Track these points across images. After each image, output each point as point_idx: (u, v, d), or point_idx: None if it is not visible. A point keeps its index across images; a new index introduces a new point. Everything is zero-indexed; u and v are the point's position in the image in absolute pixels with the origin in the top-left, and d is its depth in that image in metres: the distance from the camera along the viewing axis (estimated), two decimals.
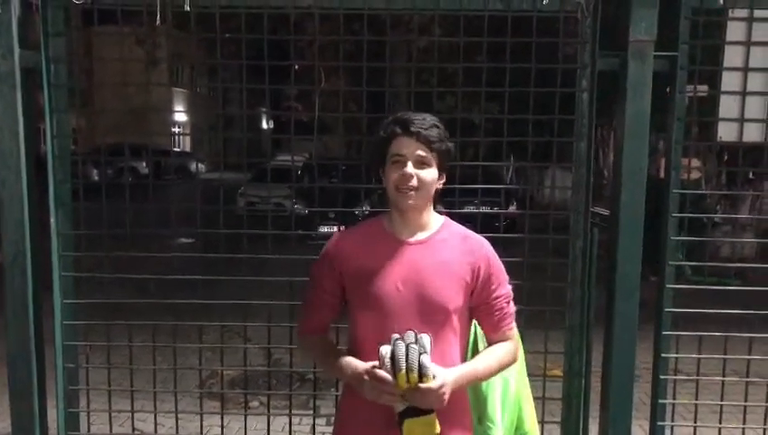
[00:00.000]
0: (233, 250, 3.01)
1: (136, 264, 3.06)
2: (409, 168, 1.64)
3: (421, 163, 1.65)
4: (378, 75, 2.99)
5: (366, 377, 1.58)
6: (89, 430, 3.22)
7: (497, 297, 1.76)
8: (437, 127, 1.69)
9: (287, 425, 3.13)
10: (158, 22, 2.63)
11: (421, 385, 1.53)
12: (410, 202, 1.67)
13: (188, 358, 4.42)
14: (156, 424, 3.20)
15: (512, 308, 1.81)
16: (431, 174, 1.67)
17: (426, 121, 1.67)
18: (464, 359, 1.80)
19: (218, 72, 3.11)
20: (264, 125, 34.71)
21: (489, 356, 1.76)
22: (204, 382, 4.79)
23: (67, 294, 2.82)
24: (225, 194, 3.01)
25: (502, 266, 1.79)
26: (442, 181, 1.74)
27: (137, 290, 3.51)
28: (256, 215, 3.56)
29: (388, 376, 1.54)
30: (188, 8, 2.56)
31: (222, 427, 3.17)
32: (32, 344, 2.65)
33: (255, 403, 4.53)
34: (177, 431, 3.18)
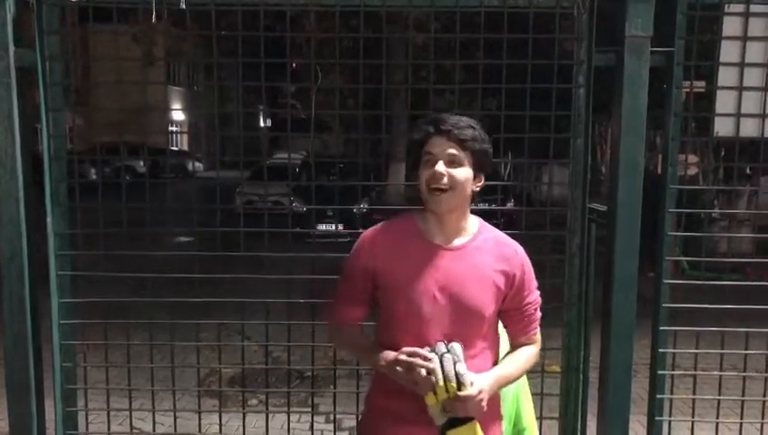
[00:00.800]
0: (231, 249, 3.01)
1: (133, 263, 3.06)
2: (440, 166, 1.62)
3: (453, 162, 1.63)
4: (375, 72, 2.98)
5: (403, 356, 1.57)
6: (87, 429, 3.22)
7: (528, 304, 1.76)
8: (473, 128, 1.66)
9: (286, 423, 3.13)
10: (153, 20, 2.62)
11: (460, 393, 1.53)
12: (444, 205, 1.64)
13: (188, 357, 4.41)
14: (154, 423, 3.20)
15: (538, 314, 1.81)
16: (464, 173, 1.64)
17: (460, 122, 1.65)
18: (495, 363, 1.78)
19: (214, 69, 3.10)
20: (262, 123, 34.66)
21: (518, 360, 1.77)
22: (203, 381, 4.79)
23: (64, 294, 2.81)
24: (223, 193, 3.01)
25: (533, 273, 1.79)
26: (479, 183, 1.71)
27: (134, 289, 3.51)
28: (254, 213, 3.56)
29: (426, 352, 1.56)
30: (184, 6, 2.55)
31: (220, 425, 3.17)
32: (29, 344, 2.65)
33: (254, 401, 4.53)
34: (175, 430, 3.18)
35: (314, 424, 3.15)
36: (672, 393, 2.94)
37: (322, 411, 4.01)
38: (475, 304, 1.66)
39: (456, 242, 1.71)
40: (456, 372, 1.53)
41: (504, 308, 1.74)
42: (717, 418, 3.03)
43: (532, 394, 2.21)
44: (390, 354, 1.63)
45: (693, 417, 3.02)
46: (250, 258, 3.00)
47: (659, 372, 2.82)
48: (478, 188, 1.71)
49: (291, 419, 3.14)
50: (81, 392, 3.07)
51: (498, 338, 1.82)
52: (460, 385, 1.53)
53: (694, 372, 2.98)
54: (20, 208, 2.57)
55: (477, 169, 1.68)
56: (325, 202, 3.24)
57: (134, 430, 3.39)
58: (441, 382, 1.53)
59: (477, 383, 1.57)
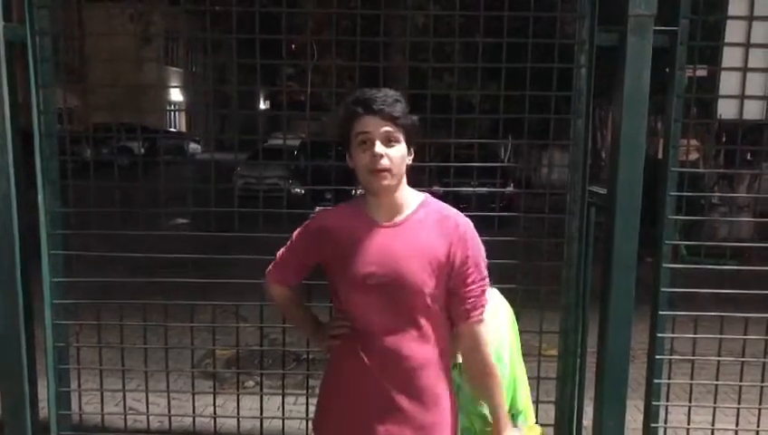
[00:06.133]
0: (227, 231, 2.98)
1: (129, 244, 3.03)
2: (378, 147, 1.58)
3: (389, 140, 1.59)
4: (374, 53, 2.93)
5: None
6: (80, 410, 3.21)
7: (472, 282, 1.67)
8: (400, 101, 1.62)
9: (282, 405, 3.12)
10: None
11: None
12: (384, 183, 1.60)
13: (185, 338, 4.40)
14: (148, 404, 3.18)
15: (485, 300, 1.72)
16: (400, 151, 1.61)
17: (388, 97, 1.60)
18: (448, 343, 1.74)
19: (208, 47, 3.04)
20: (262, 105, 34.47)
21: (498, 384, 1.74)
22: (199, 362, 4.78)
23: (56, 273, 2.79)
24: (221, 174, 2.97)
25: (481, 250, 1.71)
26: (411, 157, 1.68)
27: (129, 270, 3.48)
28: (253, 195, 3.53)
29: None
30: None
31: (215, 406, 3.16)
32: (20, 323, 2.63)
33: (251, 383, 4.52)
34: (169, 411, 3.17)
35: (310, 406, 3.14)
36: (670, 378, 2.93)
37: (318, 394, 3.99)
38: (414, 280, 1.62)
39: (396, 218, 1.68)
40: None
41: (448, 287, 1.67)
42: (715, 403, 3.02)
43: (529, 378, 2.19)
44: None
45: (690, 402, 3.01)
46: (246, 240, 2.97)
47: (657, 356, 2.80)
48: (410, 161, 1.68)
49: (286, 401, 3.13)
50: (75, 373, 3.06)
51: (448, 321, 1.75)
52: None
53: (692, 357, 2.97)
54: (10, 184, 2.53)
55: (409, 143, 1.65)
56: (323, 184, 3.20)
57: (129, 411, 3.37)
58: None
59: None
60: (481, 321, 1.71)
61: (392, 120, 1.59)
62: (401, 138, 1.61)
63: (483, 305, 1.71)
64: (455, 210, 1.74)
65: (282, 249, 1.87)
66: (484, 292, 1.71)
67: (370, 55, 2.93)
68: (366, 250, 1.65)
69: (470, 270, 1.67)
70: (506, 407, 1.76)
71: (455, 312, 1.70)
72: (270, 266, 1.89)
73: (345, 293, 1.68)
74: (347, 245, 1.67)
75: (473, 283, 1.68)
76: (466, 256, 1.66)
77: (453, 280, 1.67)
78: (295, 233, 1.83)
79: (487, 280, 1.73)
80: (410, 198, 1.70)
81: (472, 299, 1.68)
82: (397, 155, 1.60)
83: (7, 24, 2.51)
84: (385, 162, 1.58)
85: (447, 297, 1.69)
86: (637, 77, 2.49)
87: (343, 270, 1.66)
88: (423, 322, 1.65)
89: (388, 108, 1.59)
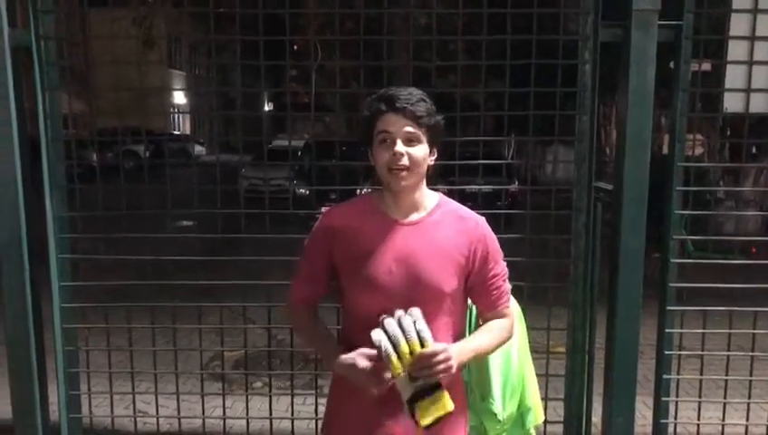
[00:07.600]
0: (234, 232, 2.99)
1: (135, 246, 3.04)
2: (399, 146, 1.57)
3: (410, 140, 1.59)
4: (378, 53, 2.94)
5: (359, 364, 1.52)
6: (90, 413, 3.22)
7: (494, 276, 1.70)
8: (425, 101, 1.61)
9: (290, 405, 3.13)
10: None
11: (425, 351, 1.44)
12: (403, 183, 1.60)
13: (194, 341, 4.41)
14: (157, 406, 3.19)
15: (507, 286, 1.75)
16: (422, 150, 1.60)
17: (412, 96, 1.59)
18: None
19: (212, 49, 3.05)
20: (266, 107, 34.53)
21: (489, 333, 1.72)
22: (207, 364, 4.79)
23: (64, 277, 2.80)
24: (226, 176, 2.97)
25: (497, 244, 1.73)
26: (434, 157, 1.67)
27: (136, 273, 3.50)
28: (258, 197, 3.54)
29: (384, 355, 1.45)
30: None
31: (224, 408, 3.16)
32: (30, 327, 2.64)
33: (259, 384, 4.53)
34: (179, 413, 3.18)
35: (319, 407, 3.14)
36: (678, 374, 2.91)
37: (327, 394, 3.99)
38: (433, 280, 1.62)
39: (413, 217, 1.68)
40: (416, 329, 1.45)
41: (470, 284, 1.69)
42: (724, 398, 3.01)
43: (537, 375, 2.18)
44: (348, 359, 1.57)
45: (699, 397, 3.00)
46: (253, 242, 2.98)
47: (666, 352, 2.79)
48: (433, 162, 1.67)
49: (295, 401, 3.13)
50: (85, 376, 3.07)
51: (465, 317, 1.78)
52: (422, 343, 1.45)
53: (700, 353, 2.95)
54: (18, 191, 2.55)
55: (432, 143, 1.64)
56: (328, 184, 3.21)
57: (138, 413, 3.38)
58: (403, 342, 1.44)
59: (442, 343, 1.51)
60: (507, 307, 1.75)
61: (415, 119, 1.58)
62: (423, 138, 1.60)
63: (507, 293, 1.75)
64: (470, 210, 1.74)
65: (298, 266, 1.79)
66: (505, 280, 1.74)
67: (374, 55, 2.93)
68: (384, 248, 1.63)
69: (491, 265, 1.69)
70: (474, 352, 1.66)
71: (482, 303, 1.74)
72: (291, 286, 1.79)
73: (357, 290, 1.65)
74: (361, 242, 1.65)
75: (495, 276, 1.70)
76: (487, 252, 1.68)
77: (476, 277, 1.68)
78: (307, 241, 1.77)
79: (506, 269, 1.75)
80: (428, 198, 1.71)
81: (496, 290, 1.71)
82: (418, 154, 1.59)
83: (12, 29, 2.52)
84: (405, 161, 1.58)
85: (472, 292, 1.71)
86: (641, 71, 2.48)
87: (358, 268, 1.64)
88: (439, 319, 1.64)
89: (411, 107, 1.58)
